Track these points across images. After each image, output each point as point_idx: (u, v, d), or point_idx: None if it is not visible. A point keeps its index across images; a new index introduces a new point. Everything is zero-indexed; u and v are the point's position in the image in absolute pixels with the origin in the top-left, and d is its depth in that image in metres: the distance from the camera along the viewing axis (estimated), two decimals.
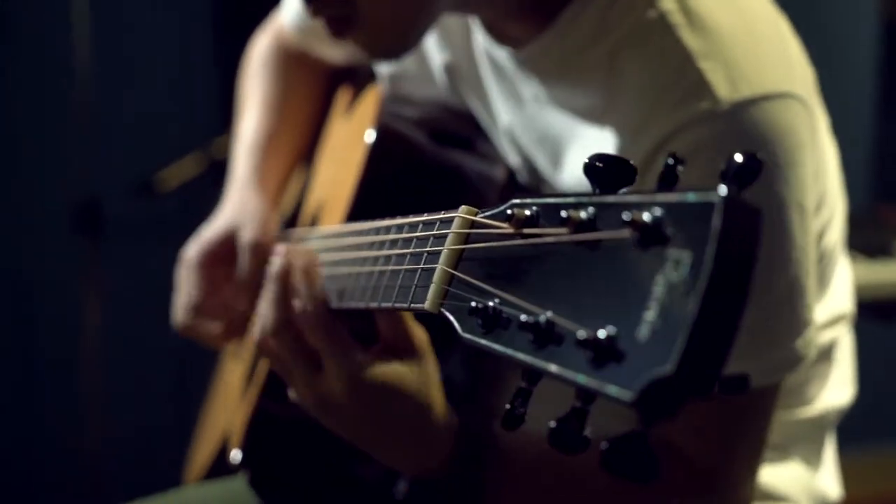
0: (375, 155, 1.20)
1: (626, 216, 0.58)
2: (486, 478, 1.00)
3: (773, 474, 1.24)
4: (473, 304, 0.68)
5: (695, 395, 0.55)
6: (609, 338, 0.57)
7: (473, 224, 0.74)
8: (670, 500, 1.10)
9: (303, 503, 1.31)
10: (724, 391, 1.05)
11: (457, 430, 0.99)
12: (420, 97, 1.34)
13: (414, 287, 0.79)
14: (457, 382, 1.15)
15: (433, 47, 1.34)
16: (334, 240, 1.06)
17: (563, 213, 0.63)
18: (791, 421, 1.25)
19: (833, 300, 1.26)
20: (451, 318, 0.71)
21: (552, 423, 0.62)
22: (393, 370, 0.94)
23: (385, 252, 0.88)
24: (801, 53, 1.12)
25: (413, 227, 0.83)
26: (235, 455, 1.27)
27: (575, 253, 0.62)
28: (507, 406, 0.67)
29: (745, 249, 0.56)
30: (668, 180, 0.62)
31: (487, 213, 0.72)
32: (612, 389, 0.56)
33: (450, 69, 1.32)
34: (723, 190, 0.56)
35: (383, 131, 1.21)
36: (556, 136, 1.14)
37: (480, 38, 1.22)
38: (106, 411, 2.91)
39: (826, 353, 1.26)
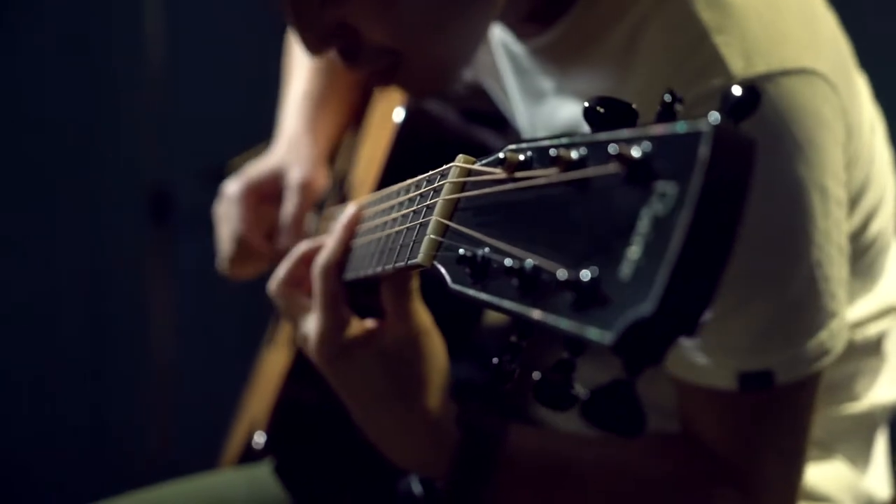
0: (404, 132, 1.17)
1: (613, 150, 0.55)
2: (496, 481, 0.97)
3: (815, 473, 1.18)
4: (462, 251, 0.64)
5: (678, 335, 0.51)
6: (591, 279, 0.54)
7: (470, 173, 0.71)
8: (698, 501, 1.05)
9: (327, 494, 1.28)
10: (747, 387, 1.01)
11: (464, 428, 0.96)
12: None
13: (412, 244, 0.76)
14: (469, 382, 1.12)
15: None
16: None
17: (553, 153, 0.59)
18: (836, 417, 1.19)
19: (883, 290, 1.19)
20: (442, 269, 0.67)
21: (536, 375, 0.59)
22: (379, 353, 0.93)
23: (391, 216, 0.85)
24: (834, 30, 1.07)
25: (418, 185, 0.81)
26: (258, 438, 1.25)
27: (564, 194, 0.59)
28: (495, 360, 0.64)
29: (736, 181, 0.52)
30: (664, 117, 0.59)
31: (483, 161, 0.69)
32: (592, 332, 0.53)
33: (475, 63, 1.28)
34: (713, 117, 0.52)
35: (412, 109, 1.18)
36: (574, 128, 1.10)
37: (497, 35, 1.19)
38: (177, 399, 2.97)
39: (874, 347, 1.20)
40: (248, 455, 1.40)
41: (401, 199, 0.84)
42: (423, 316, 0.94)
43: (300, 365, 1.26)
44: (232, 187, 1.41)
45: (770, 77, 0.93)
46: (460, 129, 1.20)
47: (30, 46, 3.12)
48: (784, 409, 1.03)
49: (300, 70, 1.58)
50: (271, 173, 1.41)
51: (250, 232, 1.38)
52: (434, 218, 0.71)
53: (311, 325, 0.95)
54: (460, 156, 0.72)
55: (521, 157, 0.63)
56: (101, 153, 3.18)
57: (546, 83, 1.12)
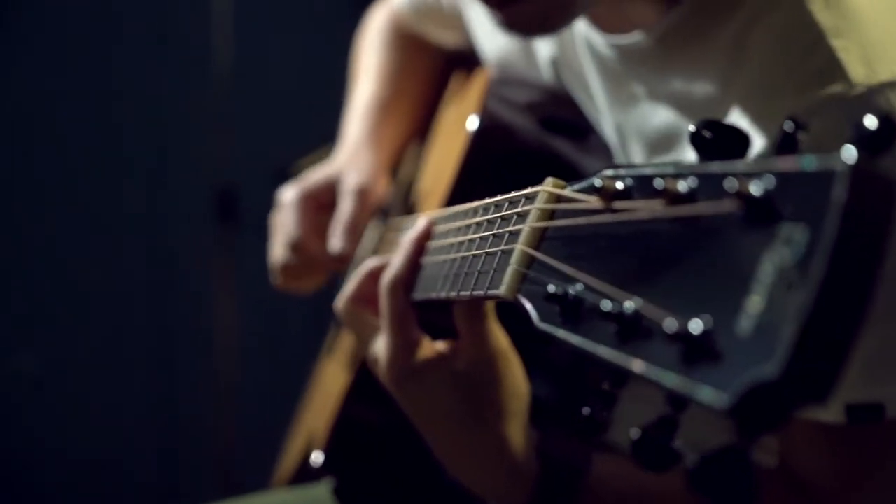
0: (478, 142, 1.11)
1: (729, 186, 0.48)
2: None
3: None
4: (552, 288, 0.58)
5: (806, 402, 0.45)
6: (704, 332, 0.48)
7: (559, 199, 0.65)
8: None
9: None
10: (855, 420, 0.94)
11: (544, 458, 0.90)
12: (531, 80, 1.24)
13: (492, 272, 0.70)
14: (548, 403, 1.05)
15: (540, 40, 1.23)
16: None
17: (659, 184, 0.53)
18: None
19: None
20: (528, 305, 0.61)
21: (635, 432, 0.53)
22: (453, 376, 0.87)
23: (467, 237, 0.79)
24: None
25: (498, 206, 0.75)
26: (317, 457, 1.20)
27: (670, 230, 0.53)
28: (586, 410, 0.58)
29: (875, 227, 0.45)
30: (786, 148, 0.52)
31: (575, 187, 0.63)
32: (705, 393, 0.46)
33: (556, 63, 1.21)
34: (849, 154, 0.45)
35: (487, 117, 1.12)
36: (668, 136, 1.03)
37: (582, 33, 1.11)
38: (240, 399, 2.94)
39: None
40: (304, 474, 1.35)
41: (478, 219, 0.78)
42: (499, 338, 0.87)
43: (363, 381, 1.21)
44: (288, 194, 1.36)
45: (893, 85, 0.86)
46: (538, 139, 1.13)
47: (102, 47, 3.14)
48: (893, 445, 0.95)
49: (367, 76, 1.53)
50: (328, 180, 1.36)
51: (306, 236, 1.33)
52: (519, 247, 0.65)
53: (381, 345, 0.89)
54: (549, 179, 0.66)
55: (620, 186, 0.57)
56: (168, 153, 3.20)
57: (637, 86, 1.05)
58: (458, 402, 0.86)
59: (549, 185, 0.65)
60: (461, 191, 1.10)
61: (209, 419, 3.02)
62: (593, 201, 0.59)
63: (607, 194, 0.57)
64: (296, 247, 1.33)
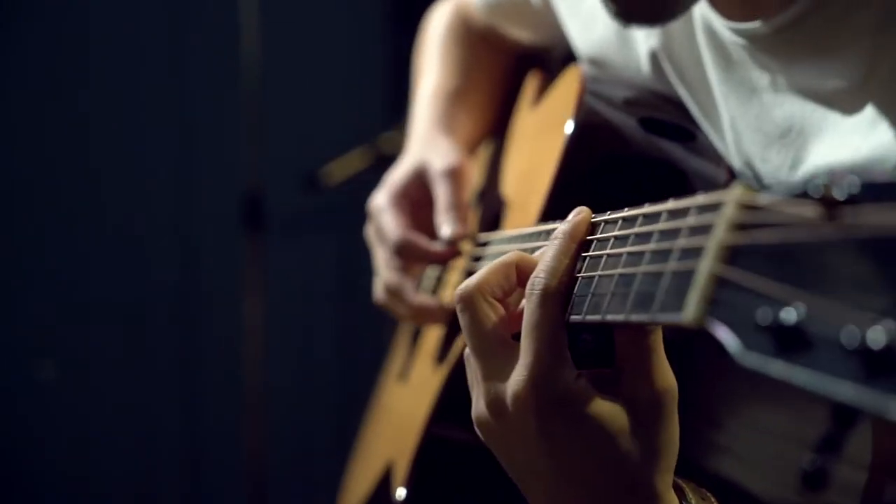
0: (577, 145, 1.02)
1: None
2: None
3: None
4: (762, 313, 0.50)
5: None
6: None
7: (750, 207, 0.56)
8: None
9: None
10: None
11: None
12: (627, 78, 1.15)
13: (662, 292, 0.60)
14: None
15: (639, 32, 1.14)
16: (536, 240, 0.89)
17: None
18: None
19: None
20: (724, 332, 0.52)
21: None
22: (608, 412, 0.73)
23: (627, 248, 0.70)
24: None
25: (673, 214, 0.65)
26: (400, 493, 1.11)
27: None
28: (812, 458, 0.49)
29: None
30: None
31: (777, 195, 0.54)
32: None
33: (657, 56, 1.12)
34: None
35: (585, 118, 1.04)
36: (797, 131, 0.93)
37: (700, 19, 1.02)
38: (268, 403, 2.92)
39: None
40: (380, 502, 1.27)
41: (641, 229, 0.69)
42: (668, 372, 0.74)
43: (450, 406, 1.13)
44: (379, 200, 1.28)
45: None
46: (640, 141, 1.05)
47: (126, 54, 3.13)
48: None
49: (434, 69, 1.44)
50: (413, 173, 1.27)
51: (411, 233, 1.23)
52: (707, 264, 0.56)
53: (520, 367, 0.74)
54: (739, 185, 0.57)
55: (841, 192, 0.49)
56: (194, 158, 3.19)
57: (760, 77, 0.96)
58: (607, 444, 0.72)
59: (739, 193, 0.56)
60: (562, 197, 1.01)
61: (235, 425, 3.01)
62: (807, 211, 0.50)
63: (829, 203, 0.49)
64: (402, 249, 1.23)
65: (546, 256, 0.77)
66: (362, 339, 3.28)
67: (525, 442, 0.76)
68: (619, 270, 0.69)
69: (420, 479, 1.12)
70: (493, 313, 0.78)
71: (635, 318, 0.65)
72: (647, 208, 0.69)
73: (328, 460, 3.21)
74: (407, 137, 1.39)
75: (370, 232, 1.30)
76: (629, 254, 0.69)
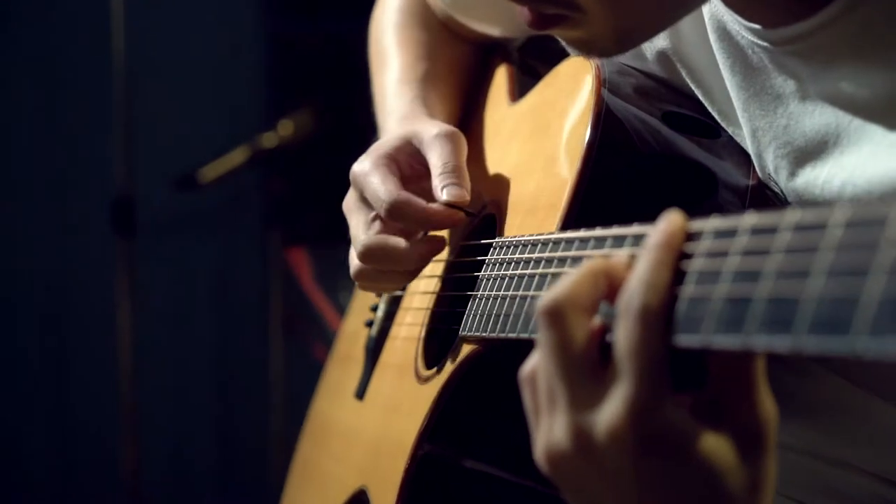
0: (601, 142, 0.95)
1: None
2: None
3: None
4: None
5: None
6: None
7: None
8: None
9: None
10: None
11: None
12: (643, 69, 1.07)
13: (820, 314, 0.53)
14: None
15: None
16: (573, 249, 0.81)
17: None
18: None
19: None
20: None
21: None
22: (714, 448, 0.65)
23: (718, 264, 0.62)
24: None
25: (764, 231, 0.57)
26: None
27: None
28: None
29: None
30: None
31: None
32: None
33: (668, 57, 1.04)
34: None
35: (607, 114, 0.96)
36: (823, 142, 0.87)
37: (715, 21, 0.95)
38: (143, 417, 2.84)
39: None
40: None
41: (754, 242, 0.61)
42: (771, 401, 0.67)
43: (446, 426, 1.04)
44: (362, 164, 1.10)
45: None
46: (666, 138, 0.98)
47: None
48: None
49: (393, 54, 1.31)
50: (402, 138, 1.12)
51: (401, 191, 1.07)
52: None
53: (621, 391, 0.66)
54: None
55: None
56: (65, 162, 3.08)
57: (786, 84, 0.89)
58: (718, 483, 0.65)
59: None
60: (588, 201, 0.93)
61: (109, 440, 2.91)
62: None
63: None
64: (396, 210, 1.05)
65: (641, 268, 0.68)
66: (242, 346, 3.18)
67: (615, 481, 0.68)
68: (732, 288, 0.61)
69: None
70: (584, 331, 0.69)
71: (780, 345, 0.57)
72: (754, 218, 0.61)
73: (206, 474, 3.11)
74: (379, 126, 1.27)
75: (349, 201, 1.14)
76: (744, 271, 0.61)
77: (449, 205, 1.06)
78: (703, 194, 0.95)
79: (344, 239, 1.16)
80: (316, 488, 1.36)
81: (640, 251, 0.69)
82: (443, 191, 1.06)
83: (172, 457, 3.17)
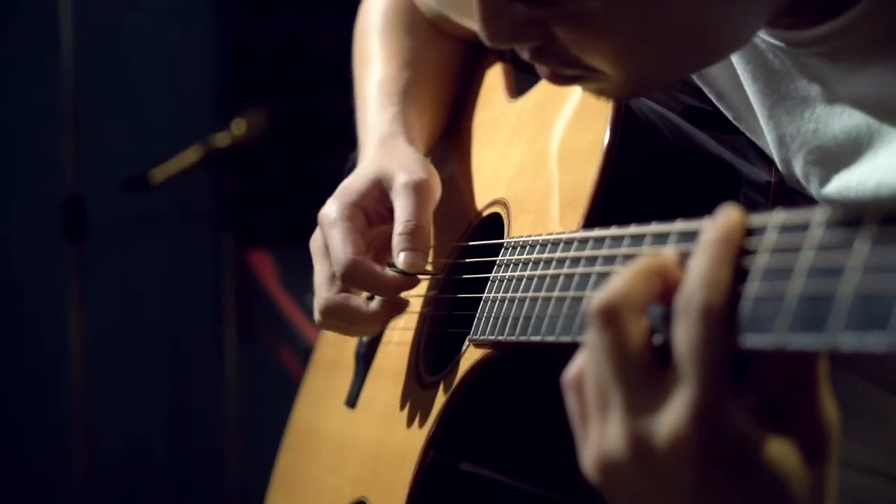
0: (622, 138, 0.92)
1: None
2: None
3: None
4: None
5: None
6: None
7: None
8: None
9: None
10: None
11: None
12: None
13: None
14: None
15: None
16: (601, 248, 0.78)
17: None
18: None
19: None
20: None
21: None
22: (780, 454, 0.62)
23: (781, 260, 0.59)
24: None
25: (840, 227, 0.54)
26: None
27: None
28: None
29: None
30: None
31: None
32: None
33: None
34: None
35: (627, 108, 0.93)
36: (852, 145, 0.84)
37: None
38: (93, 415, 2.76)
39: None
40: None
41: (825, 237, 0.58)
42: (834, 404, 0.65)
43: (457, 434, 1.00)
44: (329, 210, 1.10)
45: None
46: (686, 134, 0.95)
47: None
48: None
49: (376, 58, 1.28)
50: (372, 182, 1.11)
51: (361, 257, 1.06)
52: None
53: (683, 396, 0.63)
54: None
55: None
56: (13, 164, 3.04)
57: (810, 86, 0.86)
58: (783, 490, 0.62)
59: None
60: (612, 199, 0.90)
61: (61, 444, 2.84)
62: None
63: None
64: (349, 274, 1.06)
65: (700, 266, 0.64)
66: (196, 349, 3.13)
67: (675, 489, 0.64)
68: (800, 284, 0.59)
69: None
70: (640, 332, 0.66)
71: (874, 343, 0.54)
72: (828, 212, 0.58)
73: (159, 479, 3.05)
74: (359, 141, 1.24)
75: (316, 242, 1.14)
76: (823, 268, 0.58)
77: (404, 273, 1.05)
78: (727, 191, 0.93)
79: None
80: (307, 499, 1.31)
81: (691, 248, 0.66)
82: (399, 255, 1.05)
83: (125, 462, 3.12)
